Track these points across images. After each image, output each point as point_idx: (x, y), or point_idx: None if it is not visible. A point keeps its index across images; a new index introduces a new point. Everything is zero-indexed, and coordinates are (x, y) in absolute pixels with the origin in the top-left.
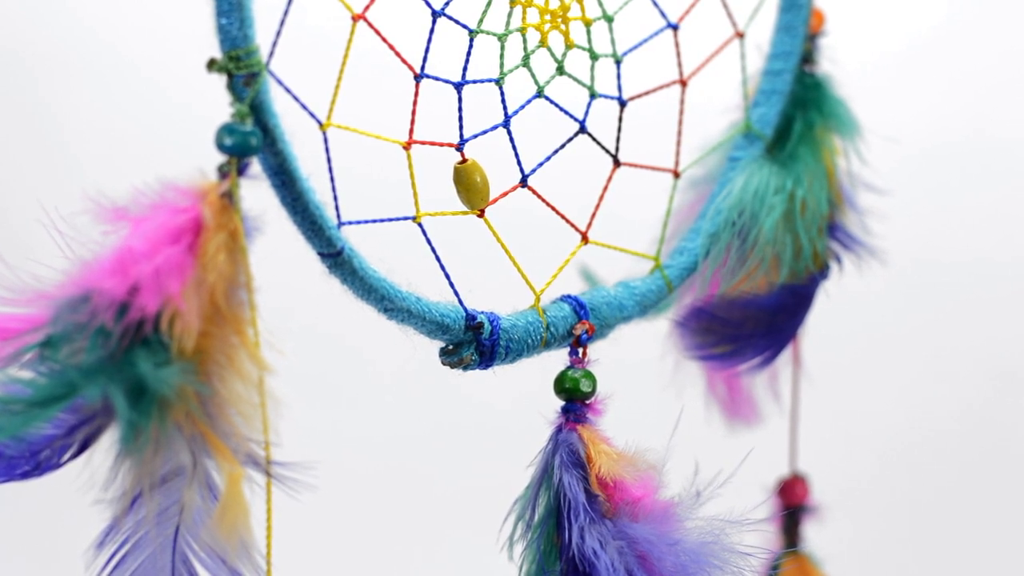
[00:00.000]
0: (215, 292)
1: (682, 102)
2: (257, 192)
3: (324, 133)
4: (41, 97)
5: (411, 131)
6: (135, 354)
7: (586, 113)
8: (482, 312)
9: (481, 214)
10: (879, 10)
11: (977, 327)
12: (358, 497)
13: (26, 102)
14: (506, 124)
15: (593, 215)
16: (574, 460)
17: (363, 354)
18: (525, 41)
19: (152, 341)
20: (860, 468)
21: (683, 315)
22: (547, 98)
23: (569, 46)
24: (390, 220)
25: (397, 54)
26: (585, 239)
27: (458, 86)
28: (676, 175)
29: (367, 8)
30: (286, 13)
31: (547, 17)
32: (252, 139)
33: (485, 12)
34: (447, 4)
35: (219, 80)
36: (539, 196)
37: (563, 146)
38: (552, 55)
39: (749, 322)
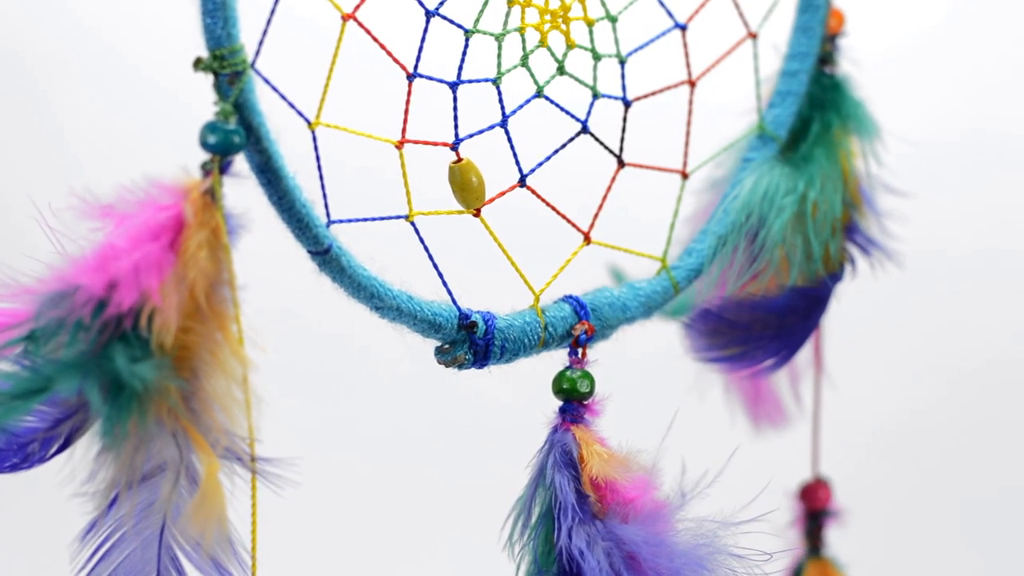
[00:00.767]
0: (195, 288)
1: (690, 102)
2: (252, 191)
3: (313, 132)
4: (38, 94)
5: (403, 130)
6: (112, 349)
7: (588, 113)
8: (478, 312)
9: (477, 213)
10: (880, 7)
11: (1008, 329)
12: (358, 496)
13: (24, 100)
14: (503, 124)
15: (596, 215)
16: (567, 460)
17: (366, 353)
18: (524, 41)
19: (130, 337)
20: (884, 471)
21: (691, 317)
22: (547, 98)
23: (570, 46)
24: (381, 219)
25: (389, 54)
26: (587, 239)
27: (453, 86)
28: (684, 176)
29: (357, 8)
30: (272, 12)
31: (547, 17)
32: (235, 137)
33: (481, 12)
34: (441, 4)
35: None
36: (539, 196)
37: (564, 146)
38: (552, 55)
39: (758, 324)
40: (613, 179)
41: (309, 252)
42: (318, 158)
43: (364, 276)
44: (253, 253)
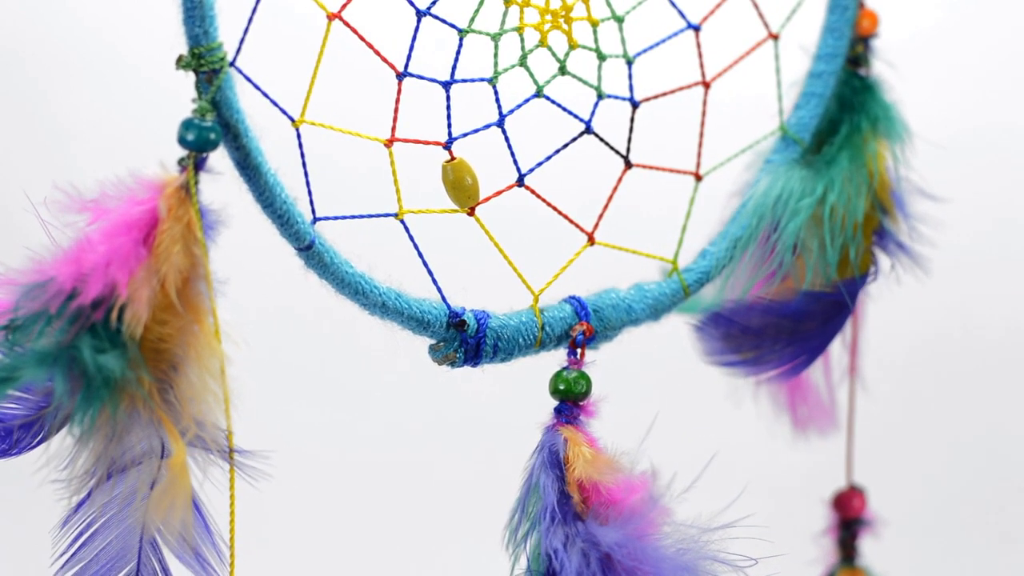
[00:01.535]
0: (167, 282)
1: (704, 103)
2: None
3: (297, 130)
4: (33, 90)
5: (393, 129)
6: (80, 340)
7: (592, 113)
8: (473, 310)
9: (471, 212)
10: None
11: None
12: (357, 496)
13: (19, 96)
14: (500, 124)
15: (600, 216)
16: (553, 461)
17: (367, 351)
18: (523, 41)
19: (98, 328)
20: (921, 480)
21: (702, 320)
22: (547, 98)
23: (572, 46)
24: (367, 216)
25: (377, 53)
26: (591, 240)
27: (446, 85)
28: (698, 178)
29: (343, 8)
30: (254, 11)
31: (548, 17)
32: (211, 134)
33: (476, 12)
34: (433, 3)
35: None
36: (538, 196)
37: (565, 146)
38: (554, 55)
39: (771, 329)
40: (619, 180)
41: (295, 248)
42: (303, 155)
43: (348, 273)
44: (251, 250)
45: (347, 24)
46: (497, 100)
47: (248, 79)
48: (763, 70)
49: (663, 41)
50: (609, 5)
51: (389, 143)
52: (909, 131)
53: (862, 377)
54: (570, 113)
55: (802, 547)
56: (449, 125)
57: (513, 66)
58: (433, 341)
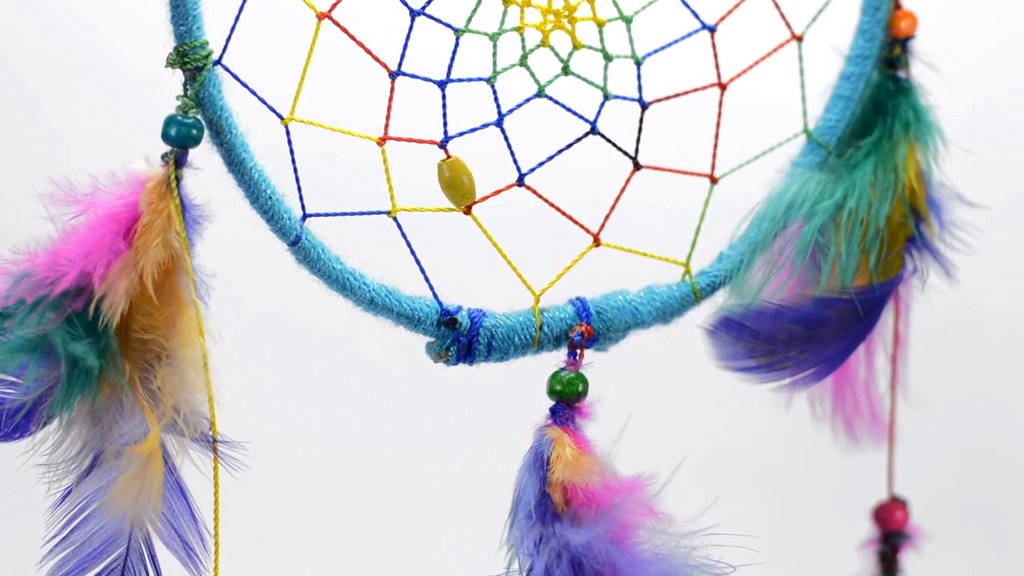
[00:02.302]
0: (145, 274)
1: (720, 105)
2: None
3: (286, 127)
4: (32, 87)
5: (386, 127)
6: (56, 329)
7: (598, 114)
8: (470, 309)
9: (468, 211)
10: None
11: None
12: (357, 495)
13: (19, 96)
14: (499, 123)
15: (607, 217)
16: (537, 462)
17: (368, 350)
18: (523, 41)
19: (75, 318)
20: (965, 493)
21: (714, 324)
22: (549, 97)
23: (576, 46)
24: (359, 214)
25: (369, 52)
26: (597, 241)
27: (441, 84)
28: (713, 180)
29: (333, 8)
30: (240, 10)
31: (550, 18)
32: (193, 130)
33: (474, 11)
34: (427, 4)
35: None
36: (540, 196)
37: (569, 146)
38: (557, 55)
39: (783, 335)
40: (627, 181)
41: (286, 244)
42: (292, 152)
43: (336, 269)
44: (251, 246)
45: (337, 24)
46: (496, 100)
47: (235, 76)
48: (790, 72)
49: (676, 42)
50: (616, 5)
51: (381, 141)
52: (943, 136)
53: (906, 386)
54: (574, 113)
55: (843, 558)
56: (445, 124)
57: (513, 66)
58: (430, 339)
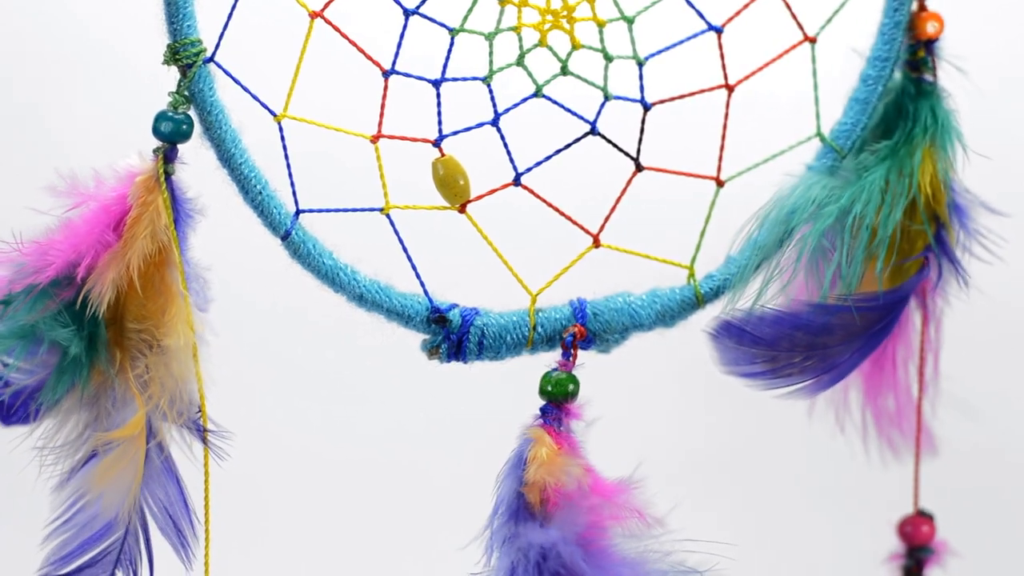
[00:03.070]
0: (132, 266)
1: (727, 105)
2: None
3: (279, 124)
4: (34, 83)
5: (379, 125)
6: (45, 317)
7: (598, 115)
8: (463, 307)
9: (462, 210)
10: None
11: None
12: (355, 494)
13: (22, 93)
14: (494, 123)
15: (607, 218)
16: (517, 461)
17: (368, 349)
18: (521, 40)
19: (63, 307)
20: (992, 508)
21: (715, 329)
22: (547, 97)
23: (575, 46)
24: (352, 210)
25: (362, 51)
26: (597, 242)
27: (436, 84)
28: (719, 183)
29: (325, 7)
30: (233, 8)
31: (548, 18)
32: (183, 126)
33: (469, 11)
34: (422, 3)
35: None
36: (537, 196)
37: (568, 146)
38: (555, 55)
39: (784, 341)
40: (628, 182)
41: (278, 239)
42: (284, 149)
43: (326, 264)
44: (249, 241)
45: (329, 22)
46: (492, 99)
47: (228, 73)
48: (799, 73)
49: (681, 43)
50: (617, 5)
51: (375, 139)
52: (963, 141)
53: (949, 398)
54: (573, 113)
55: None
56: (440, 123)
57: (509, 65)
58: (426, 336)
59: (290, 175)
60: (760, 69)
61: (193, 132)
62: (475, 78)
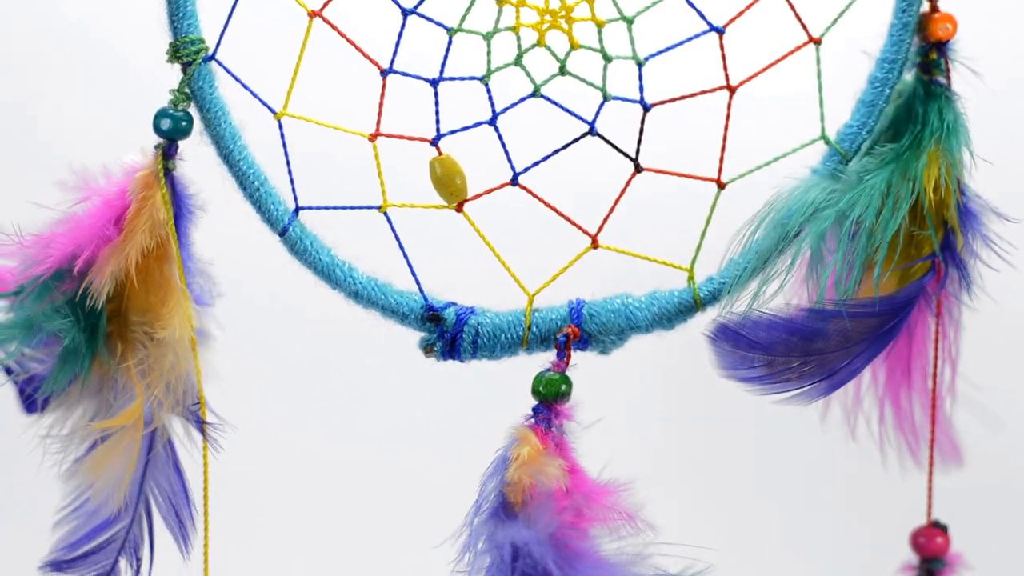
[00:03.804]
0: (129, 260)
1: (729, 107)
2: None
3: (279, 121)
4: (34, 88)
5: (377, 124)
6: (46, 308)
7: (596, 115)
8: (459, 306)
9: (460, 208)
10: None
11: None
12: (350, 491)
13: (28, 90)
14: (492, 122)
15: (605, 219)
16: (503, 460)
17: (363, 342)
18: (519, 40)
19: (62, 299)
20: (1008, 519)
21: (712, 332)
22: (545, 97)
23: (574, 46)
24: (351, 208)
25: (360, 51)
26: (595, 243)
27: (433, 83)
28: (721, 185)
29: (324, 7)
30: (234, 7)
31: (546, 18)
32: (182, 123)
33: (468, 11)
34: (420, 3)
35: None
36: (534, 195)
37: (566, 146)
38: (554, 55)
39: (779, 346)
40: (628, 183)
41: (277, 235)
42: (284, 146)
43: (322, 261)
44: (249, 237)
45: (327, 22)
46: (490, 99)
47: (228, 71)
48: (801, 73)
49: (682, 43)
50: (616, 6)
51: (373, 137)
52: (970, 145)
53: (951, 404)
54: (572, 114)
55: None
56: (437, 122)
57: (507, 65)
58: (423, 334)
59: (290, 172)
60: (764, 70)
61: (192, 129)
62: (473, 78)
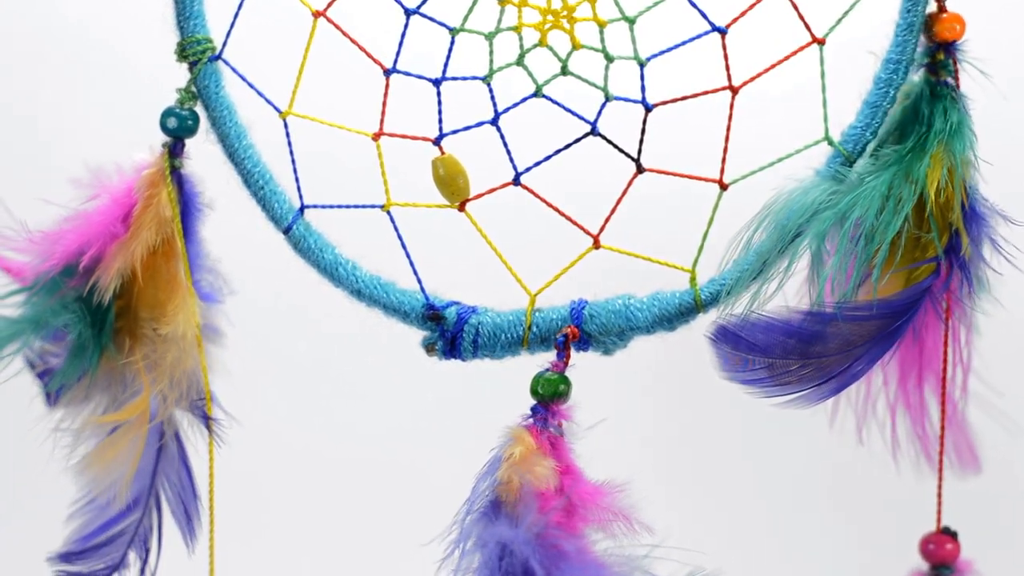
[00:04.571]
0: (135, 256)
1: (731, 107)
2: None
3: (284, 121)
4: (35, 88)
5: (381, 123)
6: (53, 304)
7: (598, 115)
8: (461, 305)
9: (462, 208)
10: None
11: None
12: (351, 490)
13: (36, 88)
14: (494, 122)
15: (607, 219)
16: (496, 459)
17: (365, 341)
18: (521, 40)
19: (69, 295)
20: (1017, 525)
21: (713, 334)
22: (547, 97)
23: (575, 46)
24: (355, 207)
25: (363, 50)
26: (597, 243)
27: (436, 83)
28: (723, 187)
29: (328, 7)
30: (240, 7)
31: (548, 18)
32: (188, 121)
33: (470, 11)
34: (423, 3)
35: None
36: (536, 195)
37: (568, 146)
38: (555, 55)
39: (777, 348)
40: (629, 183)
41: (281, 233)
42: (290, 145)
43: (326, 259)
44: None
45: (331, 22)
46: (492, 99)
47: (235, 70)
48: (804, 73)
49: (684, 43)
50: (618, 6)
51: (376, 137)
52: (975, 147)
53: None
54: (573, 113)
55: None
56: (440, 122)
57: (509, 65)
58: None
59: (294, 171)
60: (767, 70)
61: (198, 127)
62: (475, 77)
